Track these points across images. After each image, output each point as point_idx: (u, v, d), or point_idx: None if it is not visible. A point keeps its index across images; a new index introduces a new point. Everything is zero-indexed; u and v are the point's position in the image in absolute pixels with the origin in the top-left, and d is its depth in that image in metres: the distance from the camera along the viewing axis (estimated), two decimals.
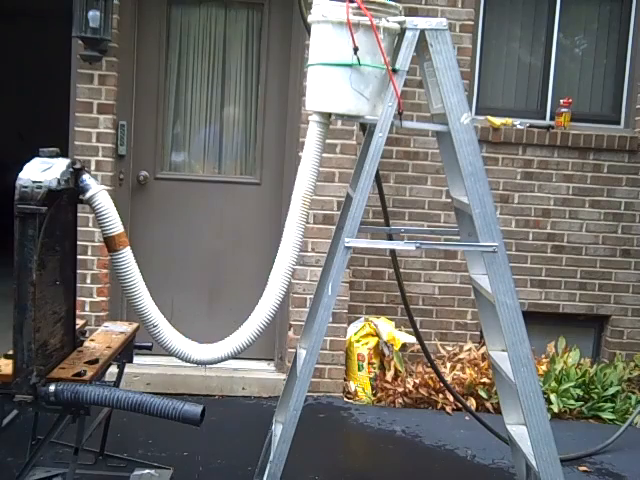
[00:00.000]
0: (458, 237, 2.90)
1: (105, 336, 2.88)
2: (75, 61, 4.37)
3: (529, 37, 5.19)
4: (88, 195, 2.46)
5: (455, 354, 4.78)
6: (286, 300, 4.35)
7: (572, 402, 4.49)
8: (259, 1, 4.69)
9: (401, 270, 3.99)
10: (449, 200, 3.37)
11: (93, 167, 4.31)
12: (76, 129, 4.36)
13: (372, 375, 4.62)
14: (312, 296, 3.08)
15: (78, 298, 2.91)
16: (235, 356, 2.74)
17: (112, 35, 4.25)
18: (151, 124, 4.68)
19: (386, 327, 4.66)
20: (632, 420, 4.22)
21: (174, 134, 4.81)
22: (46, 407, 2.35)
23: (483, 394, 4.47)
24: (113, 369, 2.91)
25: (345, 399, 4.57)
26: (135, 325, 3.03)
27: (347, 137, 4.45)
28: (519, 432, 2.74)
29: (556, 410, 4.42)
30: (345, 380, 4.64)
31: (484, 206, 2.49)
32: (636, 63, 5.08)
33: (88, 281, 4.39)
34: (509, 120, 4.94)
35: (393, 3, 2.52)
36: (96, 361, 2.55)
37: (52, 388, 2.28)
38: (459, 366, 4.64)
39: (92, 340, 2.81)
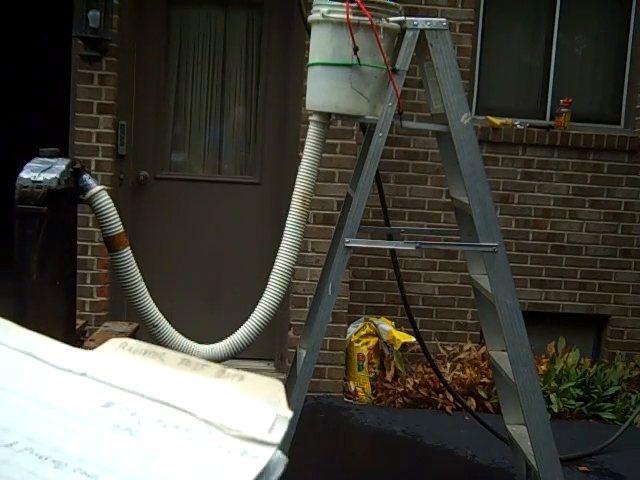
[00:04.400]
0: (458, 237, 2.90)
1: (105, 336, 2.87)
2: (75, 61, 4.37)
3: (529, 37, 5.19)
4: (88, 195, 2.45)
5: (455, 354, 4.78)
6: (286, 300, 4.35)
7: (572, 402, 4.49)
8: (259, 1, 4.70)
9: (401, 270, 3.99)
10: (449, 200, 3.37)
11: (93, 167, 4.31)
12: (76, 129, 4.36)
13: (372, 375, 4.62)
14: (312, 296, 3.08)
15: (78, 298, 2.90)
16: (235, 356, 2.74)
17: (112, 35, 4.25)
18: (151, 124, 4.68)
19: (386, 327, 4.65)
20: (632, 420, 4.22)
21: (174, 134, 4.81)
22: None
23: (483, 394, 4.47)
24: None
25: (345, 399, 4.57)
26: (135, 325, 3.02)
27: (347, 137, 4.45)
28: (519, 432, 2.75)
29: (556, 410, 4.42)
30: (345, 380, 4.63)
31: (484, 206, 2.49)
32: (636, 63, 5.08)
33: (88, 281, 4.39)
34: (509, 120, 4.94)
35: (393, 3, 2.52)
36: None
37: None
38: (459, 366, 4.64)
39: (92, 340, 2.80)
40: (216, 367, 0.58)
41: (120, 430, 0.55)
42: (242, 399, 0.54)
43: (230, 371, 0.57)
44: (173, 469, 0.51)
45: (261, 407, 0.54)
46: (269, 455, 0.50)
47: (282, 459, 0.51)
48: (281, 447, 0.51)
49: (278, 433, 0.52)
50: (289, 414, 0.53)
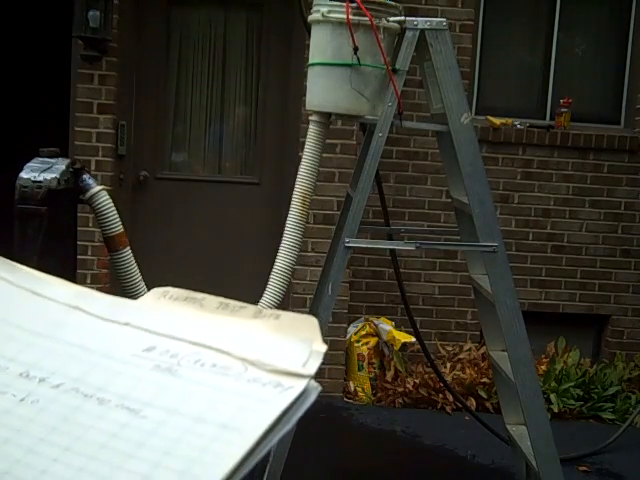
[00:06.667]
0: (458, 237, 2.90)
1: None
2: (75, 61, 4.37)
3: (529, 37, 5.19)
4: (88, 195, 2.45)
5: (455, 354, 4.78)
6: (286, 300, 4.35)
7: (572, 402, 4.49)
8: (259, 1, 4.70)
9: (401, 270, 3.99)
10: (449, 200, 3.37)
11: (93, 167, 4.31)
12: (76, 129, 4.36)
13: (372, 375, 4.62)
14: (312, 296, 3.08)
15: None
16: None
17: (112, 35, 4.26)
18: (151, 124, 4.68)
19: (386, 327, 4.66)
20: (632, 420, 4.22)
21: (174, 134, 4.81)
22: None
23: (483, 394, 4.47)
24: None
25: (345, 399, 4.57)
26: None
27: (347, 137, 4.45)
28: (519, 432, 2.75)
29: (556, 410, 4.42)
30: (345, 380, 4.63)
31: (484, 206, 2.49)
32: (636, 63, 5.08)
33: (88, 281, 4.39)
34: (509, 120, 4.94)
35: (393, 3, 2.52)
36: None
37: None
38: (459, 366, 4.64)
39: None
40: (253, 308, 0.61)
41: (161, 370, 0.59)
42: (278, 337, 0.58)
43: (267, 311, 0.61)
44: (211, 401, 0.55)
45: (296, 343, 0.57)
46: (303, 385, 0.53)
47: (315, 387, 0.54)
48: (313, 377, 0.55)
49: (312, 366, 0.55)
50: (323, 348, 0.56)
